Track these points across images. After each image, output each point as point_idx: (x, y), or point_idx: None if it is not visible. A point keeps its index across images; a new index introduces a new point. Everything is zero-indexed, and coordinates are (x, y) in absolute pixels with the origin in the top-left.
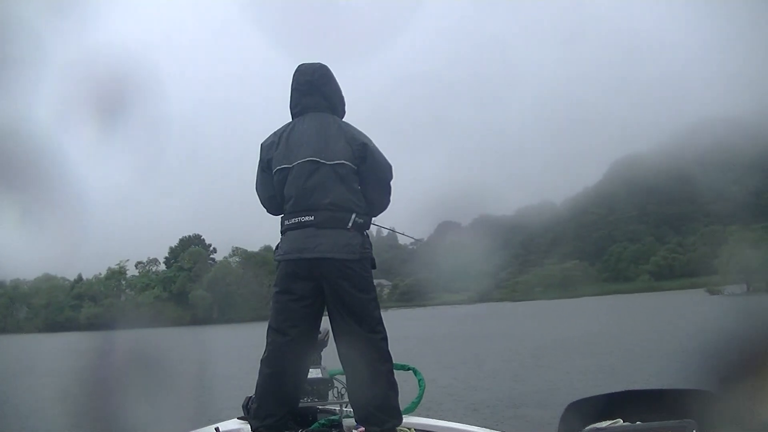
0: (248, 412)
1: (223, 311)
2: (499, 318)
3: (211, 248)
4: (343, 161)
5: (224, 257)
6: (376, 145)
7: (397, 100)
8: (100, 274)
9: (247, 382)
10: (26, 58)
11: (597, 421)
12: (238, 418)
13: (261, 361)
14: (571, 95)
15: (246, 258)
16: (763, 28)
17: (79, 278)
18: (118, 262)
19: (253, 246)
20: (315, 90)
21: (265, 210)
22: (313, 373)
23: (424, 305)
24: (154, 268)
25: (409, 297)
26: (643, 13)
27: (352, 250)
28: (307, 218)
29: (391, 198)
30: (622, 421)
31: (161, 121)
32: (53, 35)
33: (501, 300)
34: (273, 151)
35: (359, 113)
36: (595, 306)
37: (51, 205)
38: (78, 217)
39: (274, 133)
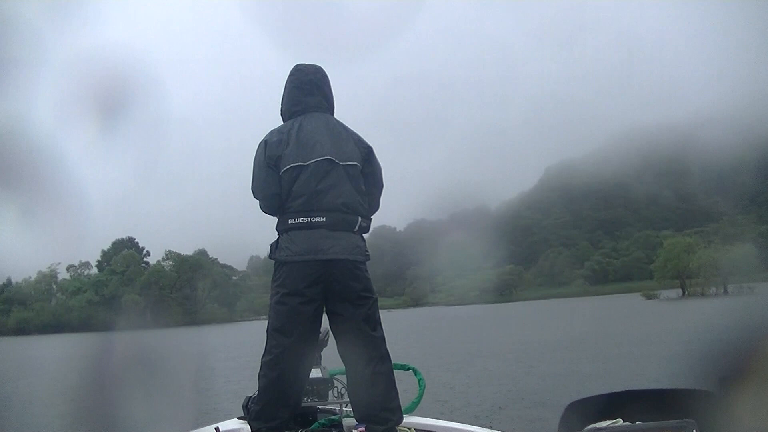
0: (248, 412)
1: (156, 315)
2: (451, 321)
3: (145, 252)
4: (354, 162)
5: (157, 261)
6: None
7: (394, 101)
8: (30, 277)
9: (243, 383)
10: (26, 58)
11: (597, 421)
12: (237, 418)
13: (264, 363)
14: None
15: (179, 262)
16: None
17: (8, 282)
18: (48, 266)
19: (187, 250)
20: (317, 89)
21: (262, 208)
22: (313, 373)
23: None
24: (86, 272)
25: None
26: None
27: (360, 252)
28: (318, 219)
29: None
30: (622, 420)
31: (159, 121)
32: (53, 35)
33: (436, 304)
34: (283, 149)
35: (354, 113)
36: (535, 309)
37: (50, 205)
38: (75, 216)
39: (279, 130)
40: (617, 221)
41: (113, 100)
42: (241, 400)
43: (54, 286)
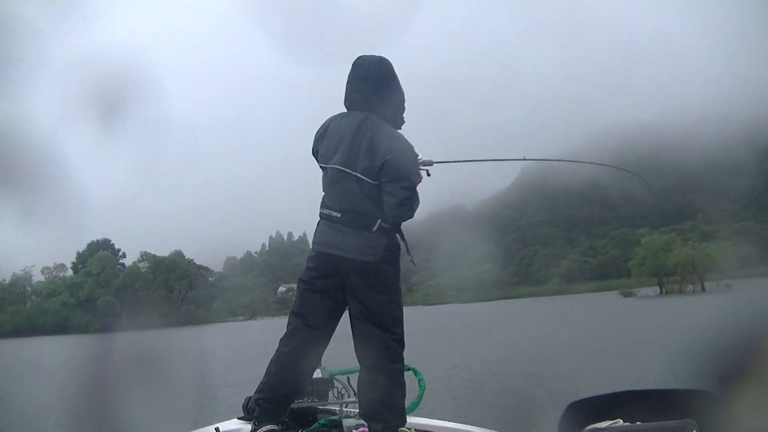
0: (248, 412)
1: (132, 318)
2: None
3: (120, 253)
4: (363, 176)
5: (133, 262)
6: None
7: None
8: (4, 280)
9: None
10: (27, 58)
11: (597, 422)
12: (238, 419)
13: (280, 340)
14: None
15: (155, 263)
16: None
17: None
18: (23, 268)
19: (163, 251)
20: (365, 86)
21: None
22: (314, 374)
23: None
24: (61, 274)
25: None
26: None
27: (374, 252)
28: (334, 214)
29: (412, 209)
30: (622, 421)
31: (159, 121)
32: (54, 36)
33: (413, 304)
34: (318, 144)
35: None
36: (516, 308)
37: (51, 205)
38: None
39: (324, 123)
40: (594, 219)
41: (111, 101)
42: (242, 401)
43: (29, 289)
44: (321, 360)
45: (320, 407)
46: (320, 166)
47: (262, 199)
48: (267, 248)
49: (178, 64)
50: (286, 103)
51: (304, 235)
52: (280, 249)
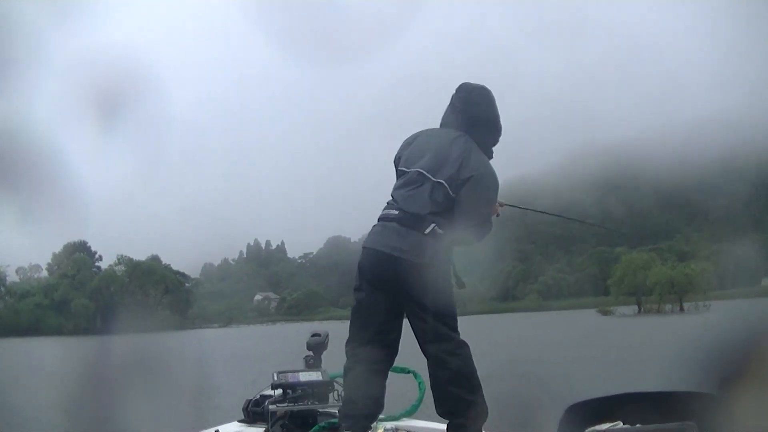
0: (248, 415)
1: (107, 321)
2: None
3: (97, 255)
4: (445, 183)
5: (109, 265)
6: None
7: (397, 101)
8: None
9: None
10: (27, 58)
11: (597, 424)
12: (238, 421)
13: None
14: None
15: (131, 267)
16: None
17: None
18: None
19: (140, 255)
20: (463, 109)
21: None
22: (313, 376)
23: (312, 319)
24: (35, 275)
25: (297, 311)
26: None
27: (421, 253)
28: (392, 212)
29: (482, 234)
30: (622, 423)
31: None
32: (54, 35)
33: None
34: (403, 150)
35: (358, 113)
36: (496, 322)
37: (50, 204)
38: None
39: (415, 133)
40: (571, 236)
41: (112, 101)
42: (242, 403)
43: (2, 289)
44: (321, 362)
45: (320, 410)
46: (399, 171)
47: (240, 206)
48: (244, 256)
49: (178, 63)
50: (282, 104)
51: (282, 243)
52: (257, 257)
